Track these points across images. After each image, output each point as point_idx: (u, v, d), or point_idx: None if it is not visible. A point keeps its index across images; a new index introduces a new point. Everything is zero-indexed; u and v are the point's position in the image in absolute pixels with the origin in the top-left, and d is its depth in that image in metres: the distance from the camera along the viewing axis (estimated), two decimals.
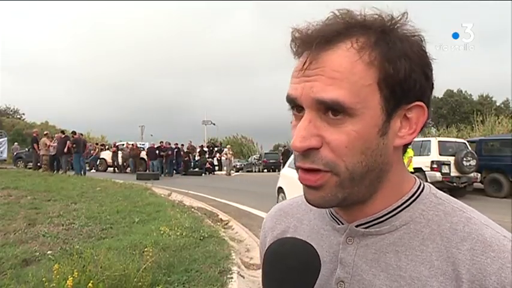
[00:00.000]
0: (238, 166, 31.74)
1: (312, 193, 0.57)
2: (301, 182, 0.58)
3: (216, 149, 27.05)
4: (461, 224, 0.55)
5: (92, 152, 23.12)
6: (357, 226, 0.61)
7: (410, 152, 11.40)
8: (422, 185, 0.61)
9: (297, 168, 0.57)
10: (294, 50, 0.57)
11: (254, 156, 34.95)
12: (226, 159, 23.81)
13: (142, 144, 24.78)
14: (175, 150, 22.20)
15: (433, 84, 0.57)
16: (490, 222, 0.56)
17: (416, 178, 0.63)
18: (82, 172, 15.84)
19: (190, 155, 24.27)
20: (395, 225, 0.58)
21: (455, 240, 0.54)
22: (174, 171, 21.43)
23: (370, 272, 0.58)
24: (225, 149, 24.89)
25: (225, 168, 23.44)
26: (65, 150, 15.25)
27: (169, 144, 22.35)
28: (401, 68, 0.53)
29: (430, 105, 0.58)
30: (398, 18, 0.56)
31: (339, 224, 0.63)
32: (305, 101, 0.54)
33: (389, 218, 0.59)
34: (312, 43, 0.54)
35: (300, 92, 0.54)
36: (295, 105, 0.56)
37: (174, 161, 21.87)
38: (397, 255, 0.57)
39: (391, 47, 0.53)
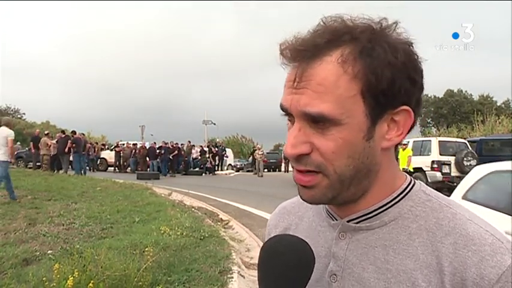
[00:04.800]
0: (238, 166, 31.74)
1: (305, 192, 0.61)
2: (296, 182, 0.62)
3: (217, 148, 26.84)
4: (446, 220, 0.58)
5: (93, 153, 23.06)
6: (348, 221, 0.64)
7: (409, 151, 11.42)
8: (412, 182, 0.64)
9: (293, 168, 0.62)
10: (283, 61, 0.60)
11: None
12: (257, 160, 23.70)
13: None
14: (176, 150, 22.16)
15: (422, 85, 0.59)
16: (475, 217, 0.58)
17: (407, 176, 0.66)
18: (82, 172, 15.84)
19: (189, 154, 24.22)
20: (385, 221, 0.61)
21: (440, 235, 0.57)
22: (168, 171, 21.30)
23: (360, 266, 0.61)
24: (257, 150, 24.72)
25: (259, 168, 23.25)
26: (66, 149, 15.24)
27: (166, 143, 22.32)
28: (384, 77, 0.55)
29: (419, 105, 0.60)
30: (387, 25, 0.57)
31: (333, 220, 0.67)
32: (294, 112, 0.58)
33: (378, 214, 0.62)
34: (300, 57, 0.57)
35: (289, 103, 0.58)
36: (288, 113, 0.60)
37: (169, 162, 21.70)
38: (385, 249, 0.60)
39: (375, 58, 0.55)
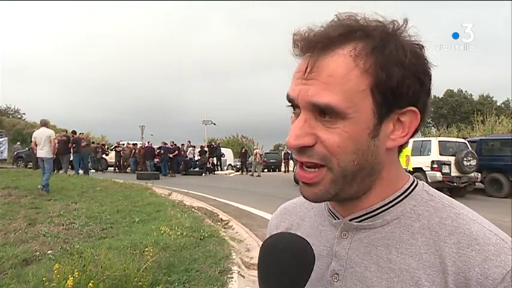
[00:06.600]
0: (238, 166, 31.69)
1: (307, 189, 0.61)
2: (298, 178, 0.61)
3: (218, 148, 26.70)
4: (449, 219, 0.58)
5: (100, 152, 23.01)
6: (350, 220, 0.64)
7: (407, 150, 11.40)
8: (415, 182, 0.64)
9: (295, 160, 0.61)
10: (295, 52, 0.60)
11: None
12: (256, 159, 23.57)
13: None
14: (176, 150, 22.10)
15: (430, 89, 0.60)
16: (478, 217, 0.58)
17: (411, 176, 0.66)
18: (83, 172, 15.81)
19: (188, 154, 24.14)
20: (387, 220, 0.61)
21: (443, 234, 0.57)
22: (168, 172, 21.22)
23: (362, 265, 0.61)
24: (257, 150, 24.62)
25: (255, 168, 23.09)
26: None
27: (166, 144, 22.28)
28: (394, 76, 0.55)
29: (426, 110, 0.60)
30: (399, 25, 0.58)
31: (335, 219, 0.67)
32: (301, 102, 0.58)
33: (381, 213, 0.62)
34: (312, 48, 0.57)
35: (297, 94, 0.58)
36: (294, 105, 0.60)
37: (169, 162, 21.61)
38: (388, 248, 0.60)
39: (386, 55, 0.55)
